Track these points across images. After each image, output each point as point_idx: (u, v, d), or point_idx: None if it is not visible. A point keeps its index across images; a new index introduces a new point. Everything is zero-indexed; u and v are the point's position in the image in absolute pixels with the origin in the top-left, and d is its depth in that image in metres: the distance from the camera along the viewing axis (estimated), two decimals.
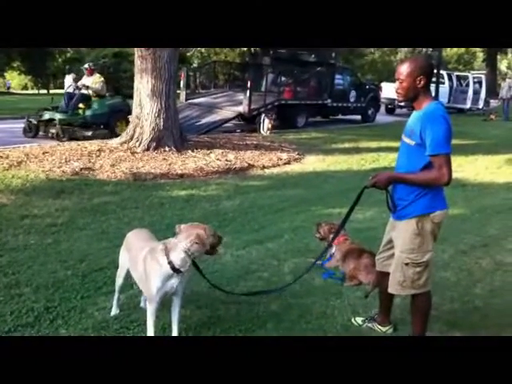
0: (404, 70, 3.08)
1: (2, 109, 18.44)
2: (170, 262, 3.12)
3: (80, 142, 10.67)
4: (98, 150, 9.74)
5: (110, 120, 12.53)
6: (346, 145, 13.19)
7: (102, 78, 12.67)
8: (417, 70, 3.05)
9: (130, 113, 12.23)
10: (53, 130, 11.77)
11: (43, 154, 9.36)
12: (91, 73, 12.54)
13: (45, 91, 37.92)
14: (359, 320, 3.84)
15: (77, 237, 5.41)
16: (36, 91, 40.03)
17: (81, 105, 12.27)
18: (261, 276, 4.62)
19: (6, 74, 44.61)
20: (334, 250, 4.86)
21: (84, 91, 12.34)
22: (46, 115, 12.09)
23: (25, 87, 48.93)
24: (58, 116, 11.88)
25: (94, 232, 5.61)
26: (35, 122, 12.07)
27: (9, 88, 44.24)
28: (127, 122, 12.19)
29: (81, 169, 8.41)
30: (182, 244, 3.14)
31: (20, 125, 12.52)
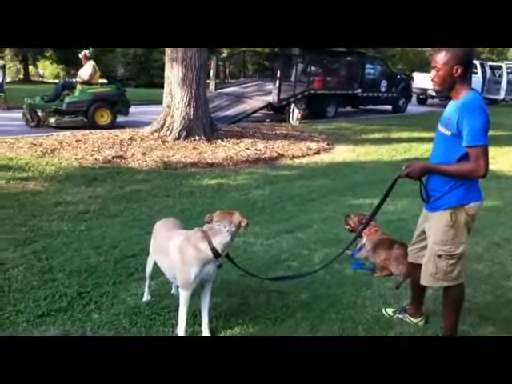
0: (441, 58, 3.01)
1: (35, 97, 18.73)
2: (213, 248, 3.16)
3: (112, 131, 10.79)
4: (130, 139, 9.85)
5: (90, 109, 11.99)
6: (377, 135, 13.05)
7: (92, 66, 12.33)
8: (454, 59, 2.98)
9: (116, 103, 12.33)
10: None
11: (76, 141, 9.51)
12: (87, 60, 12.35)
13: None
14: (390, 311, 3.81)
15: (109, 224, 5.49)
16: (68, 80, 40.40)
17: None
18: (291, 265, 4.61)
19: (38, 63, 45.22)
20: (364, 240, 4.82)
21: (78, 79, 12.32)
22: (29, 101, 12.03)
23: (57, 76, 49.51)
24: (36, 102, 11.98)
25: (126, 219, 5.68)
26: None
27: (42, 77, 44.86)
28: (113, 113, 12.26)
29: (113, 157, 8.52)
30: (227, 228, 3.18)
31: None
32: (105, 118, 12.24)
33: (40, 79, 43.74)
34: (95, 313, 3.62)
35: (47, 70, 50.48)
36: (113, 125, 12.16)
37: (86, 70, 12.24)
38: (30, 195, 6.32)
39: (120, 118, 12.47)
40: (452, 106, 3.09)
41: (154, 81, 23.05)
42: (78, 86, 12.09)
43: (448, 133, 3.04)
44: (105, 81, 13.31)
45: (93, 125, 11.84)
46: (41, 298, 3.77)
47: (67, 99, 11.92)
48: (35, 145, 9.08)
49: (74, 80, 12.55)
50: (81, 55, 12.48)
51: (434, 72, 3.07)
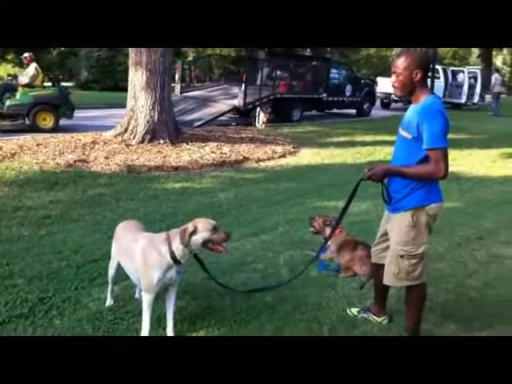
0: (401, 63, 3.06)
1: None
2: (171, 252, 3.12)
3: (74, 134, 10.60)
4: (92, 142, 9.71)
5: (31, 112, 11.61)
6: (341, 138, 13.18)
7: (34, 68, 12.04)
8: (414, 64, 3.04)
9: (60, 106, 11.94)
10: None
11: (37, 145, 9.32)
12: (30, 62, 12.10)
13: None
14: (354, 311, 3.84)
15: (71, 228, 5.39)
16: None
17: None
18: (256, 268, 4.61)
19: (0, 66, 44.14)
20: (329, 242, 4.85)
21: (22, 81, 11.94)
22: None
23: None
24: None
25: (89, 224, 5.59)
26: None
27: (1, 79, 43.83)
28: (56, 116, 11.93)
29: (75, 161, 8.38)
30: (163, 236, 3.18)
31: None
32: (47, 121, 11.87)
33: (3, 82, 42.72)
34: (57, 319, 3.55)
35: (10, 73, 49.07)
36: (56, 128, 11.81)
37: (29, 72, 11.94)
38: None
39: (67, 122, 12.27)
40: (412, 109, 3.15)
41: (118, 84, 22.77)
42: (20, 89, 11.76)
43: (408, 136, 3.10)
44: (50, 84, 12.78)
45: (34, 128, 11.49)
46: (1, 304, 3.68)
47: (8, 102, 11.55)
48: None
49: (15, 83, 12.19)
50: (23, 57, 12.20)
51: (394, 77, 3.12)
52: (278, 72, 16.71)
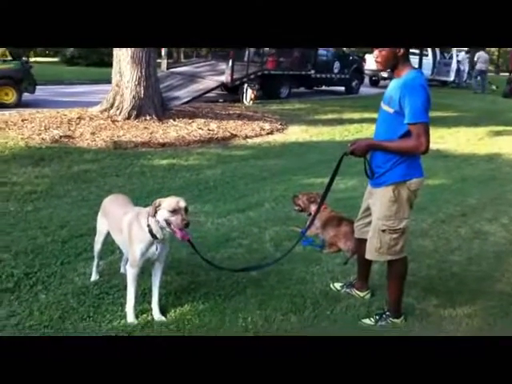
0: None
1: None
2: (148, 226, 3.13)
3: (60, 110, 10.49)
4: (78, 118, 9.61)
5: None
6: (330, 116, 13.16)
7: None
8: None
9: (22, 80, 11.58)
10: None
11: (22, 121, 9.22)
12: None
13: (24, 59, 37.07)
14: (338, 285, 3.90)
15: (57, 204, 5.38)
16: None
17: None
18: (241, 243, 4.64)
19: None
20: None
21: None
22: None
23: (3, 55, 47.80)
24: None
25: (75, 199, 5.58)
26: None
27: None
28: (19, 91, 11.61)
29: (60, 136, 8.32)
30: (147, 210, 3.17)
31: None
32: (9, 96, 11.51)
33: None
34: (42, 293, 3.56)
35: None
36: (18, 104, 11.50)
37: None
38: None
39: (30, 97, 12.02)
40: (394, 84, 3.16)
41: (104, 59, 22.45)
42: None
43: (390, 110, 3.11)
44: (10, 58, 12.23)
45: None
46: None
47: None
48: None
49: None
50: None
51: (376, 52, 3.13)
52: (266, 48, 16.55)
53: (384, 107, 3.20)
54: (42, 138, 8.14)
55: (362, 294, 3.78)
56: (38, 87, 12.23)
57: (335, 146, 9.18)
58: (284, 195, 6.06)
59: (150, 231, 3.13)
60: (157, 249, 3.20)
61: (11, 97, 11.53)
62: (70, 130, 8.80)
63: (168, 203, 3.07)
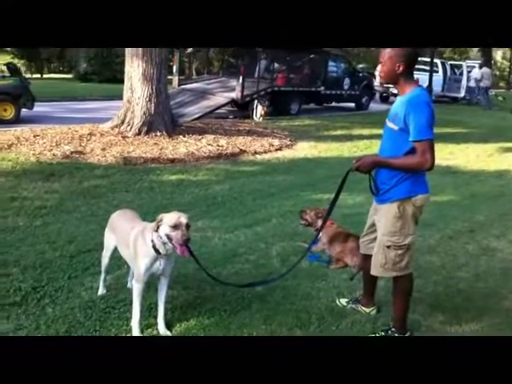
0: (386, 53, 3.13)
1: None
2: (151, 241, 3.15)
3: (71, 126, 10.62)
4: (89, 134, 9.73)
5: None
6: (339, 132, 13.21)
7: None
8: (397, 56, 3.09)
9: (20, 96, 11.55)
10: None
11: (34, 137, 9.35)
12: None
13: (38, 75, 37.62)
14: (343, 301, 3.89)
15: (66, 219, 5.43)
16: (29, 75, 39.74)
17: None
18: (248, 259, 4.65)
19: None
20: (320, 233, 4.89)
21: None
22: None
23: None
24: None
25: (83, 215, 5.63)
26: None
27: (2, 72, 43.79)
28: (17, 107, 11.59)
29: (71, 152, 8.41)
30: (152, 225, 3.19)
31: None
32: (8, 112, 11.51)
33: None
34: (49, 307, 3.60)
35: None
36: (17, 119, 11.52)
37: None
38: None
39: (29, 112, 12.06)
40: (399, 101, 3.19)
41: (116, 76, 22.73)
42: None
43: (395, 127, 3.14)
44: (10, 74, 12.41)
45: None
46: None
47: None
48: None
49: None
50: None
51: (380, 66, 3.18)
52: (276, 65, 16.68)
53: (389, 124, 3.23)
54: (53, 154, 8.24)
55: (367, 310, 3.78)
56: (50, 103, 12.40)
57: (344, 162, 9.19)
58: (292, 211, 6.07)
59: (154, 246, 3.15)
60: (161, 264, 3.22)
61: (10, 113, 11.53)
62: (80, 145, 8.90)
63: (169, 218, 3.09)
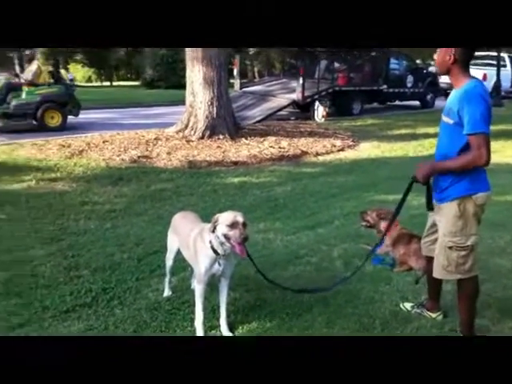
0: None
1: None
2: (209, 242, 3.20)
3: (138, 131, 10.96)
4: (155, 139, 10.03)
5: (39, 110, 11.60)
6: (403, 131, 12.95)
7: (36, 66, 12.09)
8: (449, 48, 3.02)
9: (66, 104, 11.87)
10: None
11: (103, 142, 9.74)
12: (31, 60, 12.16)
13: (108, 83, 39.09)
14: (408, 306, 3.82)
15: (134, 222, 5.62)
16: (99, 83, 41.34)
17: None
18: (309, 261, 4.65)
19: (69, 66, 46.31)
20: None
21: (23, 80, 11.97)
22: None
23: (89, 80, 50.52)
24: None
25: (150, 217, 5.81)
26: None
27: (71, 80, 45.67)
28: (64, 114, 11.88)
29: (138, 157, 8.71)
30: (209, 226, 3.21)
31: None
32: (55, 119, 11.87)
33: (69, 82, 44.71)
34: (118, 308, 3.73)
35: (79, 73, 51.80)
36: (64, 126, 11.84)
37: (31, 69, 12.02)
38: (58, 195, 6.52)
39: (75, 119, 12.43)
40: (453, 94, 3.11)
41: (182, 81, 23.27)
42: (24, 88, 11.69)
43: (450, 121, 3.06)
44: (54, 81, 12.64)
45: (42, 127, 11.53)
46: (66, 293, 3.90)
47: (14, 101, 11.45)
48: (64, 146, 9.34)
49: (18, 81, 12.25)
50: (25, 54, 12.41)
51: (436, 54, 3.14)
52: (336, 64, 16.56)
53: (444, 119, 3.15)
54: (122, 159, 8.55)
55: (433, 315, 3.69)
56: (118, 110, 12.86)
57: (408, 162, 9.03)
58: (354, 212, 6.00)
59: (212, 247, 3.19)
60: (220, 265, 3.25)
61: (57, 120, 11.89)
62: (147, 150, 9.20)
63: (225, 218, 3.11)
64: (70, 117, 12.23)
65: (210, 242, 3.21)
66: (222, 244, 3.17)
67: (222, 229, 3.11)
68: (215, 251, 3.21)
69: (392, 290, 4.15)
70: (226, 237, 3.10)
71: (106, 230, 5.35)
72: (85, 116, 13.09)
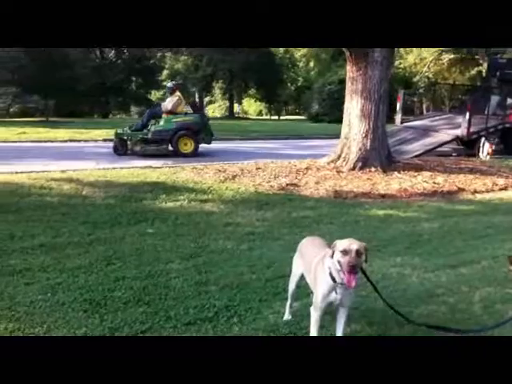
0: None
1: (235, 131, 20.41)
2: (329, 268, 3.10)
3: (291, 160, 11.18)
4: (306, 168, 10.14)
5: (174, 137, 12.58)
6: None
7: (178, 97, 12.93)
8: None
9: (199, 132, 12.69)
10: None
11: (256, 169, 10.09)
12: (175, 91, 13.03)
13: (276, 117, 40.90)
14: None
15: (270, 245, 5.68)
16: (269, 117, 43.40)
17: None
18: (446, 301, 4.28)
19: (243, 100, 49.56)
20: None
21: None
22: (119, 131, 12.98)
23: (260, 113, 53.40)
24: (125, 131, 12.91)
25: (287, 242, 5.82)
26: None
27: (237, 113, 48.47)
28: (196, 141, 12.63)
29: (287, 184, 8.86)
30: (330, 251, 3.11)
31: (246, 144, 13.61)
32: (188, 146, 12.72)
33: (243, 115, 47.78)
34: (237, 326, 3.76)
35: (251, 107, 55.09)
36: (195, 153, 12.64)
37: (172, 100, 12.92)
38: (205, 215, 6.85)
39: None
40: None
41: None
42: (164, 116, 12.76)
43: None
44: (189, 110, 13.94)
45: (176, 153, 12.47)
46: (191, 306, 4.03)
47: (153, 128, 12.62)
48: (220, 171, 9.84)
49: (159, 109, 13.32)
50: (169, 87, 13.45)
51: None
52: (510, 100, 15.41)
53: None
54: (271, 185, 8.77)
55: None
56: (281, 141, 13.38)
57: None
58: (506, 255, 5.44)
59: (330, 273, 3.09)
60: (337, 293, 3.11)
61: (189, 147, 12.83)
62: (296, 178, 9.33)
63: (341, 244, 3.00)
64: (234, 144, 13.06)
65: (329, 268, 3.11)
66: (338, 271, 3.05)
67: (337, 255, 3.01)
68: (333, 278, 3.10)
69: None
70: (340, 263, 2.98)
71: (242, 250, 5.47)
72: (252, 145, 13.63)
